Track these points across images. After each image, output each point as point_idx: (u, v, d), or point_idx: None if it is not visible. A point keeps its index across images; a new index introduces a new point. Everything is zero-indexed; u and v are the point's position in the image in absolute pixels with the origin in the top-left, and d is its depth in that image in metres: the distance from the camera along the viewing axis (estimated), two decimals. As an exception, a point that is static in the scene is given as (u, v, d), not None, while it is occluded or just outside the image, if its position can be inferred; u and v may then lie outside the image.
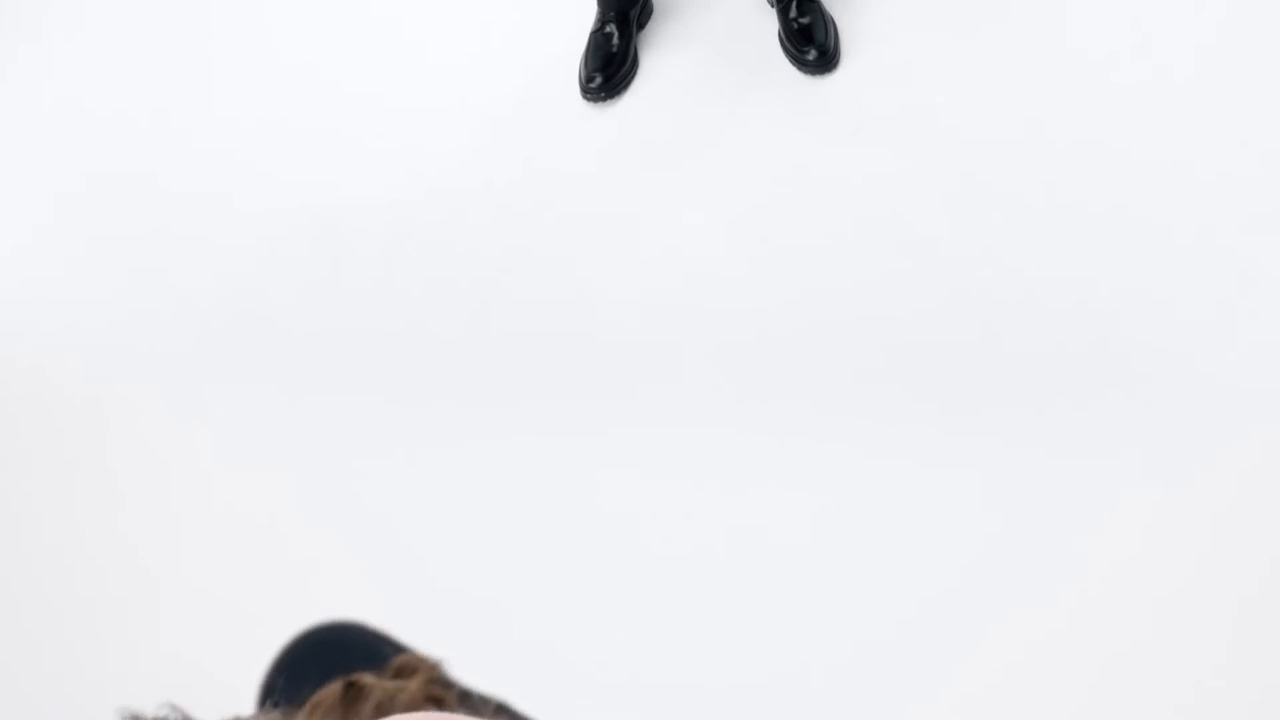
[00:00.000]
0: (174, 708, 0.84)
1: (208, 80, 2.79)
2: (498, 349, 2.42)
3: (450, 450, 2.34)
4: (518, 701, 1.20)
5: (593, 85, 2.58)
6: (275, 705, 0.87)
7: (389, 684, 0.90)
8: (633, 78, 2.62)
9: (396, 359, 2.44)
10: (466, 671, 1.07)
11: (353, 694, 0.88)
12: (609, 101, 2.60)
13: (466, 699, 0.99)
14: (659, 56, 2.64)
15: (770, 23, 2.62)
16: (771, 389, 2.32)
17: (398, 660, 0.97)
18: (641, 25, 2.66)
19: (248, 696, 1.23)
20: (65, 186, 2.73)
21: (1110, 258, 2.32)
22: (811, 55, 2.56)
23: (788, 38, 2.58)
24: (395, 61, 2.71)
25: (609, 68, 2.59)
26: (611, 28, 2.60)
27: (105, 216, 2.68)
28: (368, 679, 0.89)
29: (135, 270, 2.60)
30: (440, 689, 0.94)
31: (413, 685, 0.91)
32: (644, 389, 2.34)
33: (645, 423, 2.31)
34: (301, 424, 2.40)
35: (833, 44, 2.58)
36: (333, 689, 0.88)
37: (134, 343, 2.52)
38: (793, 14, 2.58)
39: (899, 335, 2.32)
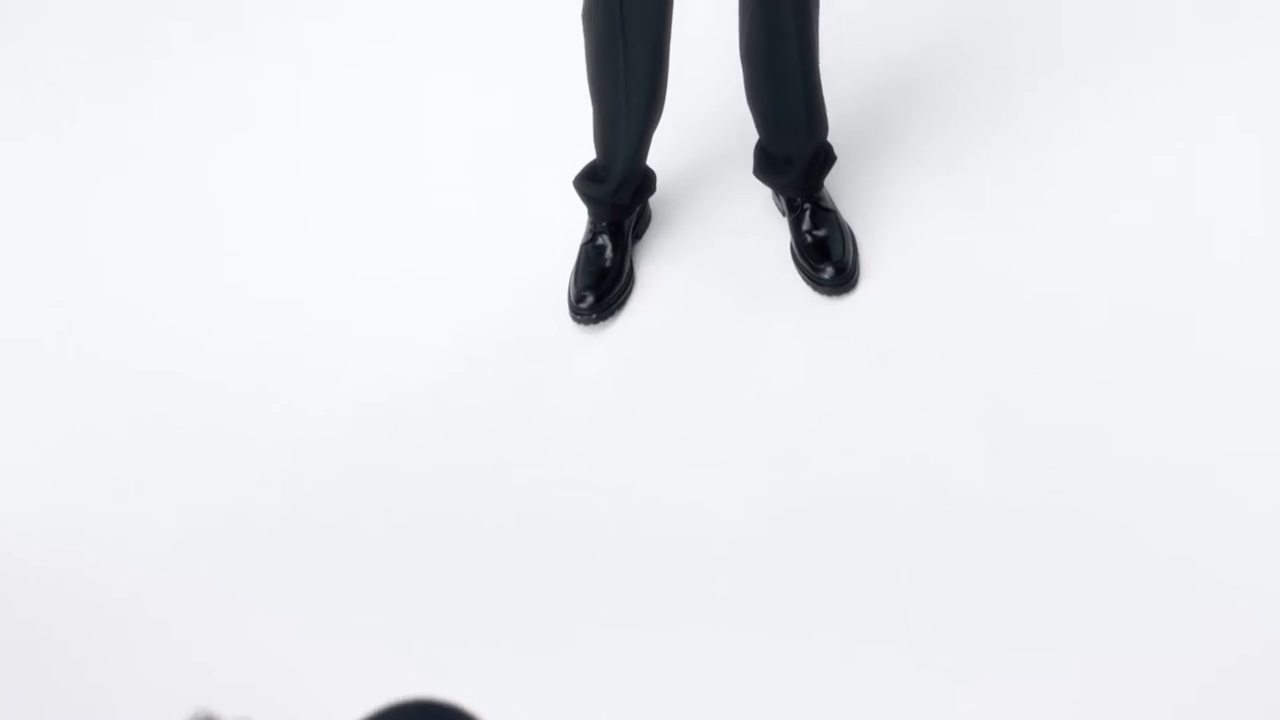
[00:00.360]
0: None
1: (204, 272, 2.57)
2: (478, 573, 2.18)
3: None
4: None
5: (583, 305, 2.32)
6: None
7: None
8: (628, 295, 2.36)
9: (370, 587, 2.18)
10: None
11: None
12: (601, 323, 2.33)
13: None
14: (657, 270, 2.39)
15: (781, 232, 2.38)
16: (772, 625, 2.08)
17: None
18: (638, 236, 2.40)
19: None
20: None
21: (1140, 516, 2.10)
22: (828, 273, 2.30)
23: (801, 252, 2.33)
24: (373, 280, 2.48)
25: (601, 284, 2.33)
26: (604, 239, 2.34)
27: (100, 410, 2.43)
28: None
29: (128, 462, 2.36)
30: None
31: None
32: (637, 618, 2.11)
33: (631, 654, 2.07)
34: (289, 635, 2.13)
35: (851, 260, 2.32)
36: None
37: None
38: (806, 225, 2.33)
39: (913, 572, 2.10)
